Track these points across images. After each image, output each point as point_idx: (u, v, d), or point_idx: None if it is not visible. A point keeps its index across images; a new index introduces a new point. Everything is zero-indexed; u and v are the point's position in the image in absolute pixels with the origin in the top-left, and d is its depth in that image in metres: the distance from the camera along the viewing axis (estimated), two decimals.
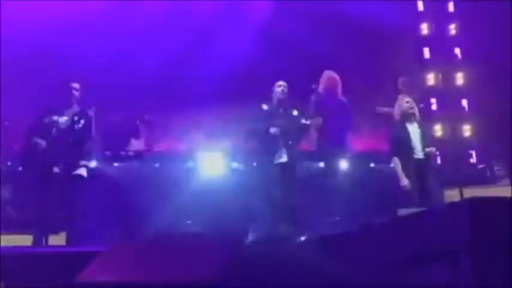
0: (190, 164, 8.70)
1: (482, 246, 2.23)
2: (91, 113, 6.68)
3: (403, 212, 6.00)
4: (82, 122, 6.53)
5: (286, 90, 7.06)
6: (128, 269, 3.98)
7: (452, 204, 2.71)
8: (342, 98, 7.60)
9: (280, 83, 7.10)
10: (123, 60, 8.74)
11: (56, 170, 6.37)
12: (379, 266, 3.07)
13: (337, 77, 7.65)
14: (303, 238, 6.65)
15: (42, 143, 6.41)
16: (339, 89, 7.61)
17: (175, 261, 3.96)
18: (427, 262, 2.53)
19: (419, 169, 6.71)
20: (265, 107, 7.05)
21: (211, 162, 8.43)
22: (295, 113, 7.06)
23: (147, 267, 3.94)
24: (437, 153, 7.31)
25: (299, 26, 9.31)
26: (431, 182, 6.72)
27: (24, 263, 4.34)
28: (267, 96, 7.19)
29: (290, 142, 6.90)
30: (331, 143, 7.36)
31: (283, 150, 6.86)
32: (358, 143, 8.12)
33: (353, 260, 3.28)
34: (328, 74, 7.66)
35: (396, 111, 7.08)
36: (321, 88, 7.60)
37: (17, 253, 4.57)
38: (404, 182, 6.64)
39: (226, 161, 8.04)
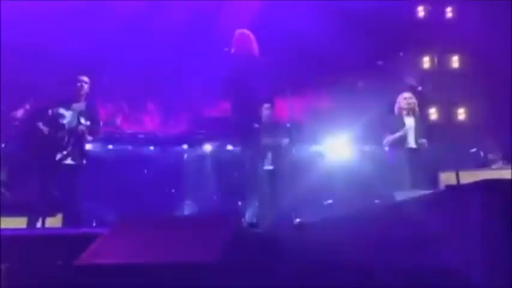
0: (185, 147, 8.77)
1: (496, 229, 2.24)
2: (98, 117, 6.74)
3: (399, 194, 6.08)
4: (87, 122, 6.58)
5: (271, 109, 7.64)
6: (128, 251, 3.97)
7: (465, 186, 2.70)
8: (259, 57, 6.74)
9: (266, 105, 7.52)
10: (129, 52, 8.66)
11: (58, 157, 6.42)
12: (384, 247, 3.08)
13: (250, 34, 6.72)
14: (303, 221, 6.77)
15: (45, 129, 6.47)
16: (254, 46, 6.71)
17: (176, 242, 3.95)
18: (437, 244, 2.54)
19: (410, 158, 7.17)
20: (256, 125, 7.09)
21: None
22: (281, 129, 7.66)
23: (148, 249, 3.93)
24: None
25: (292, 11, 9.23)
26: (421, 169, 7.17)
27: (24, 245, 4.32)
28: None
29: (278, 154, 7.54)
30: (248, 111, 6.78)
31: (272, 160, 7.58)
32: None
33: (359, 243, 3.29)
34: (239, 31, 6.75)
35: (396, 105, 7.52)
36: (233, 49, 6.69)
37: (16, 235, 4.54)
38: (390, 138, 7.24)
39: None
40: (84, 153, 6.69)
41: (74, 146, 6.55)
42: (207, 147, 9.43)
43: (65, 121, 6.55)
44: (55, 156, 6.46)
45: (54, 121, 6.55)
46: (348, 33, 9.01)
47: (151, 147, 9.23)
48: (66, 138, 6.51)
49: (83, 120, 6.61)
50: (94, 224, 7.49)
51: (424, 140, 7.28)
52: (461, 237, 2.38)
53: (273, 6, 9.29)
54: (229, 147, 9.21)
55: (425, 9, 9.79)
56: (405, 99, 7.42)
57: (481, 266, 2.26)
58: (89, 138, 6.68)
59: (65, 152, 6.48)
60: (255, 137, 6.95)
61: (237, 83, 6.59)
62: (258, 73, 6.54)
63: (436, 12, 9.81)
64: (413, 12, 9.86)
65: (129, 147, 9.13)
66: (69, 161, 6.53)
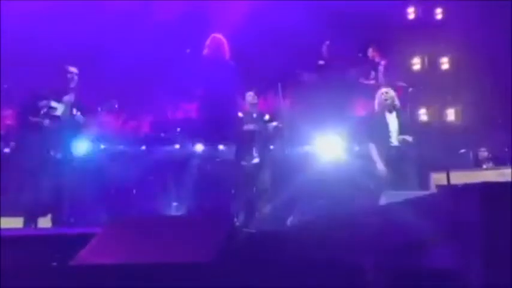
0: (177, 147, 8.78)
1: (494, 231, 2.26)
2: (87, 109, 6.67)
3: (389, 194, 6.12)
4: (78, 114, 6.50)
5: (256, 97, 7.70)
6: (123, 251, 3.98)
7: (463, 187, 2.73)
8: (229, 61, 6.89)
9: (249, 93, 7.64)
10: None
11: (52, 153, 6.35)
12: (381, 248, 3.10)
13: (223, 38, 6.93)
14: (298, 220, 6.82)
15: (46, 122, 6.38)
16: (225, 50, 6.88)
17: (169, 242, 3.96)
18: (435, 245, 2.56)
19: (393, 155, 7.18)
20: (240, 114, 7.48)
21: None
22: (266, 117, 7.71)
23: (141, 248, 3.95)
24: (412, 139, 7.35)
25: (281, 10, 9.25)
26: (405, 167, 7.15)
27: (18, 246, 4.32)
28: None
29: (263, 143, 7.57)
30: (215, 111, 6.88)
31: (256, 151, 7.55)
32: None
33: (352, 244, 3.31)
34: (213, 35, 6.97)
35: (375, 102, 7.49)
36: (205, 51, 6.91)
37: (10, 236, 4.54)
38: (380, 166, 7.18)
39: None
40: (73, 147, 6.61)
41: (66, 140, 6.47)
42: (198, 147, 9.41)
43: (57, 113, 6.45)
44: (49, 151, 6.38)
45: (48, 115, 6.45)
46: (335, 35, 9.04)
47: (143, 147, 9.22)
48: (60, 131, 6.41)
49: (75, 111, 6.52)
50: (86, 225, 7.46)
51: (406, 137, 7.21)
52: (459, 239, 2.40)
53: (256, 7, 9.31)
54: (221, 147, 9.20)
55: (415, 11, 9.85)
56: (382, 94, 7.39)
57: (479, 268, 2.28)
58: (84, 130, 6.64)
59: (57, 147, 6.39)
60: (231, 132, 7.06)
61: (208, 84, 6.78)
62: (227, 75, 6.76)
63: (426, 14, 9.87)
64: (404, 13, 9.93)
65: (122, 147, 9.11)
66: (60, 156, 6.45)
